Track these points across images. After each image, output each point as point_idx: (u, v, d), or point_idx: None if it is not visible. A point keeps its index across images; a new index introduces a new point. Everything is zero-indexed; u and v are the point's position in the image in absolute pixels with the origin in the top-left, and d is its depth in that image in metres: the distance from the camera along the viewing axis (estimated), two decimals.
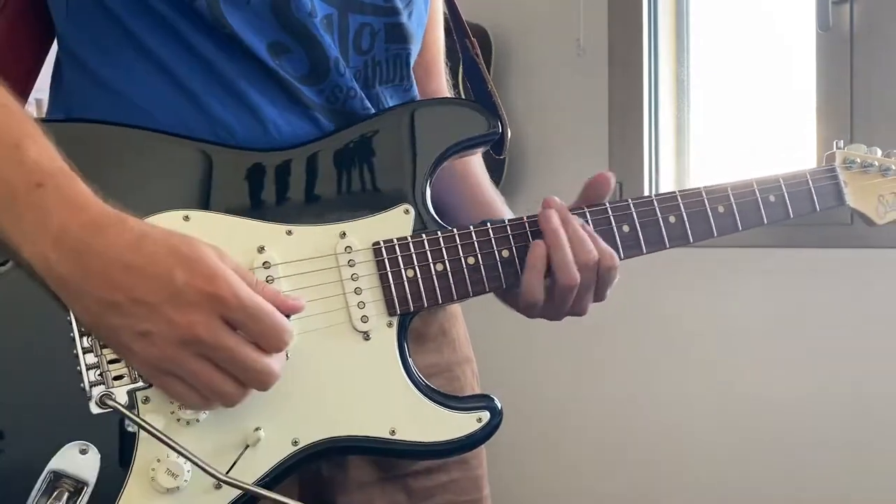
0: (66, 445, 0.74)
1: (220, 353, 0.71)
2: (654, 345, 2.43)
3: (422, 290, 0.86)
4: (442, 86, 1.08)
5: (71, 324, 0.75)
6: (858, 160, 1.08)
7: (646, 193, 2.47)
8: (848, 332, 2.13)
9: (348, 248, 0.84)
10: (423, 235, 0.87)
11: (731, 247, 2.26)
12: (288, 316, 0.74)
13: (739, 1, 2.48)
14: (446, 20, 1.00)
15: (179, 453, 0.74)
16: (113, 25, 0.84)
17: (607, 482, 2.51)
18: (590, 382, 2.53)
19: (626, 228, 0.94)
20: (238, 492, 0.77)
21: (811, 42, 2.21)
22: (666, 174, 2.52)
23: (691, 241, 0.97)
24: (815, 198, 1.04)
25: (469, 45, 0.96)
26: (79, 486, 0.74)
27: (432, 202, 0.90)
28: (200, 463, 0.74)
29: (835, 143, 1.11)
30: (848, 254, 2.14)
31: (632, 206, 0.95)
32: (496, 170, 2.55)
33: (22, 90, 0.89)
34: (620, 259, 0.94)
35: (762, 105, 2.40)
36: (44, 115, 0.90)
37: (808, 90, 2.23)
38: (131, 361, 0.73)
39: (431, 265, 0.87)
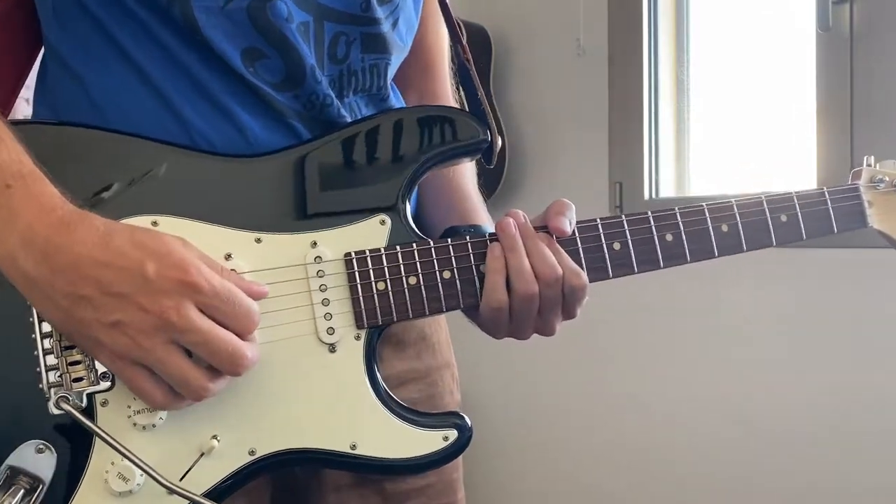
0: (24, 443, 0.76)
1: (192, 337, 0.71)
2: (652, 344, 2.39)
3: (392, 304, 0.84)
4: (445, 88, 1.05)
5: (33, 324, 0.77)
6: (888, 179, 1.01)
7: (646, 194, 2.44)
8: (848, 332, 2.09)
9: (318, 259, 0.83)
10: (398, 247, 0.85)
11: None
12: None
13: (739, 1, 2.42)
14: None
15: (130, 460, 0.75)
16: (96, 29, 0.85)
17: (599, 482, 2.47)
18: (582, 383, 2.50)
19: (616, 246, 0.90)
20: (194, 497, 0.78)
21: (811, 42, 2.17)
22: (666, 174, 2.49)
23: (688, 260, 0.92)
24: (833, 219, 0.97)
25: (461, 51, 0.93)
26: (35, 484, 0.75)
27: (418, 214, 0.88)
28: (150, 471, 0.75)
29: (865, 159, 1.04)
30: (848, 254, 2.08)
31: (625, 222, 0.91)
32: (495, 171, 2.53)
33: (12, 89, 0.91)
34: (610, 277, 0.91)
35: (762, 105, 2.35)
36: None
37: (808, 90, 2.18)
38: (99, 355, 0.74)
39: (404, 278, 0.85)
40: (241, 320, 0.74)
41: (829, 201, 0.97)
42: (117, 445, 0.74)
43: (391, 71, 0.95)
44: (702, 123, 2.49)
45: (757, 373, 2.22)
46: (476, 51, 2.57)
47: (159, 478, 0.74)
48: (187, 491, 0.75)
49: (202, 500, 0.76)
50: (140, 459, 0.75)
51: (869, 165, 1.02)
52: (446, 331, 1.03)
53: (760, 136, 2.37)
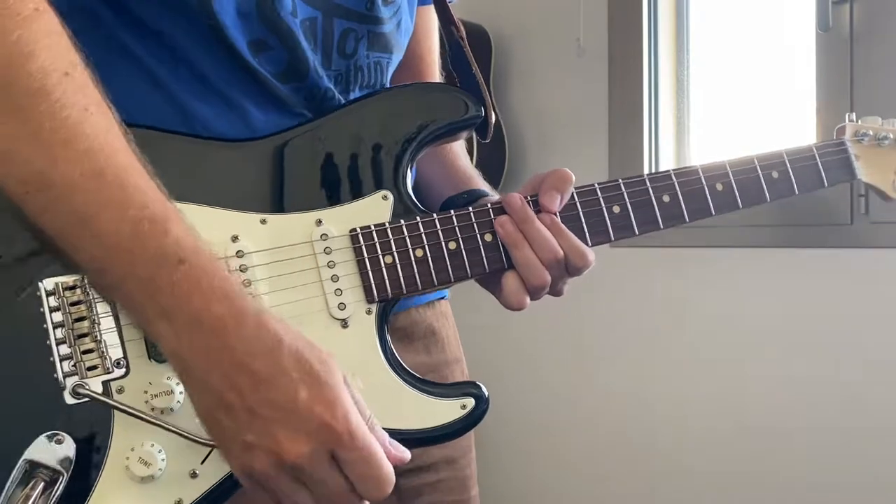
0: (42, 436, 0.75)
1: (317, 487, 0.68)
2: (653, 345, 2.40)
3: (401, 276, 0.85)
4: None
5: (44, 314, 0.76)
6: (871, 132, 1.04)
7: None
8: (848, 332, 2.09)
9: (324, 236, 0.84)
10: (402, 221, 0.85)
11: (731, 247, 2.26)
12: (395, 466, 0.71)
13: (739, 1, 2.46)
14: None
15: (165, 428, 0.75)
16: (93, 23, 0.85)
17: (603, 479, 2.47)
18: (587, 381, 2.51)
19: (616, 209, 0.92)
20: (214, 481, 0.77)
21: (811, 42, 2.20)
22: None
23: (687, 220, 0.94)
24: (822, 172, 1.00)
25: (454, 30, 0.95)
26: (55, 475, 0.74)
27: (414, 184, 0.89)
28: (189, 435, 0.74)
29: (847, 115, 1.07)
30: (848, 254, 2.10)
31: (622, 185, 0.92)
32: (495, 170, 2.55)
33: None
34: (612, 240, 0.92)
35: (762, 105, 2.38)
36: None
37: (808, 90, 2.21)
38: (229, 461, 0.71)
39: (411, 251, 0.85)
40: (370, 485, 0.69)
41: (817, 156, 1.00)
42: (147, 417, 0.74)
43: (391, 70, 0.97)
44: (702, 123, 2.51)
45: (756, 373, 2.22)
46: (476, 51, 2.57)
47: (198, 438, 0.74)
48: None
49: None
50: (174, 426, 0.74)
51: (852, 121, 1.05)
52: (455, 327, 1.03)
53: (760, 136, 2.38)
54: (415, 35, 1.02)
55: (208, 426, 0.70)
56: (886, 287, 2.05)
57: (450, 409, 0.84)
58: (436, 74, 1.09)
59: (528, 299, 0.87)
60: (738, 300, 2.26)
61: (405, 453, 0.74)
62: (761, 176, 0.97)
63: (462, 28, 0.97)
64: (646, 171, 2.48)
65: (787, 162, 0.98)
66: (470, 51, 0.96)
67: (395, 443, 0.74)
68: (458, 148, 1.03)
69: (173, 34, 0.84)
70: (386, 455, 0.70)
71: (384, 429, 0.82)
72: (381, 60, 0.95)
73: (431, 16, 1.07)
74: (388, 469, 0.70)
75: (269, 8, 0.84)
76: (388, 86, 0.97)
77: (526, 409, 2.56)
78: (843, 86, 2.12)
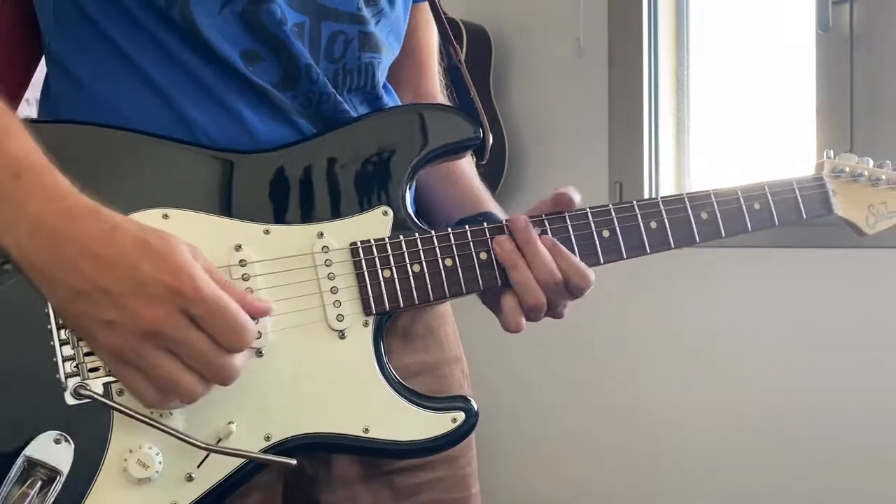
0: (41, 435, 0.76)
1: (181, 348, 0.72)
2: (652, 345, 2.42)
3: (398, 290, 0.87)
4: (436, 87, 1.10)
5: (48, 315, 0.77)
6: (848, 170, 1.08)
7: (645, 194, 2.49)
8: (847, 332, 2.13)
9: (325, 248, 0.86)
10: (401, 237, 0.88)
11: (730, 247, 2.27)
12: (255, 318, 0.75)
13: (739, 1, 2.48)
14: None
15: (164, 431, 0.76)
16: (95, 33, 0.86)
17: (602, 480, 2.50)
18: (585, 382, 2.53)
19: (605, 233, 0.95)
20: (210, 485, 0.79)
21: (811, 42, 2.22)
22: (665, 174, 2.52)
23: (672, 246, 0.97)
24: (801, 206, 1.04)
25: (452, 52, 0.98)
26: (52, 474, 0.75)
27: (419, 200, 0.91)
28: (186, 437, 0.76)
29: (825, 152, 1.11)
30: (848, 254, 2.13)
31: (612, 211, 0.96)
32: (495, 171, 2.57)
33: (13, 98, 0.92)
34: (601, 264, 0.95)
35: (762, 105, 2.40)
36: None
37: (808, 90, 2.23)
38: (98, 351, 0.75)
39: (408, 266, 0.88)
40: (227, 335, 0.72)
41: (797, 190, 1.04)
42: (147, 419, 0.76)
43: (382, 71, 0.99)
44: (702, 123, 2.52)
45: (755, 374, 2.25)
46: (476, 51, 2.58)
47: (196, 441, 0.76)
48: (230, 448, 0.77)
49: (247, 454, 0.78)
50: (171, 428, 0.76)
51: (829, 157, 1.09)
52: (454, 325, 1.05)
53: (760, 137, 2.40)
54: (412, 31, 1.05)
55: (74, 325, 0.74)
56: (887, 287, 2.07)
57: (441, 423, 0.86)
58: (433, 69, 1.11)
59: (524, 321, 0.89)
60: (739, 300, 2.28)
61: (267, 303, 0.77)
62: (744, 207, 1.00)
63: (461, 52, 1.00)
64: (645, 171, 2.50)
65: (768, 195, 1.02)
66: (467, 73, 0.98)
67: (258, 297, 0.79)
68: (467, 164, 1.05)
69: (171, 47, 0.86)
70: (247, 306, 0.74)
71: (375, 439, 0.85)
72: (373, 61, 0.96)
73: (428, 12, 1.09)
74: (243, 318, 0.73)
75: (254, 19, 0.86)
76: (381, 85, 0.98)
77: (528, 407, 2.56)
78: (843, 86, 2.14)
